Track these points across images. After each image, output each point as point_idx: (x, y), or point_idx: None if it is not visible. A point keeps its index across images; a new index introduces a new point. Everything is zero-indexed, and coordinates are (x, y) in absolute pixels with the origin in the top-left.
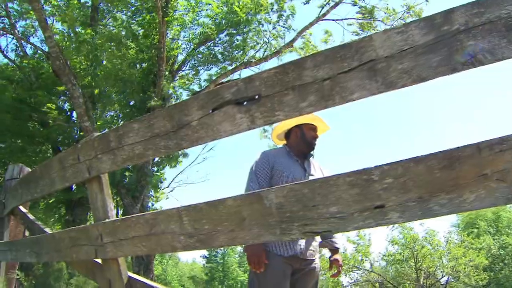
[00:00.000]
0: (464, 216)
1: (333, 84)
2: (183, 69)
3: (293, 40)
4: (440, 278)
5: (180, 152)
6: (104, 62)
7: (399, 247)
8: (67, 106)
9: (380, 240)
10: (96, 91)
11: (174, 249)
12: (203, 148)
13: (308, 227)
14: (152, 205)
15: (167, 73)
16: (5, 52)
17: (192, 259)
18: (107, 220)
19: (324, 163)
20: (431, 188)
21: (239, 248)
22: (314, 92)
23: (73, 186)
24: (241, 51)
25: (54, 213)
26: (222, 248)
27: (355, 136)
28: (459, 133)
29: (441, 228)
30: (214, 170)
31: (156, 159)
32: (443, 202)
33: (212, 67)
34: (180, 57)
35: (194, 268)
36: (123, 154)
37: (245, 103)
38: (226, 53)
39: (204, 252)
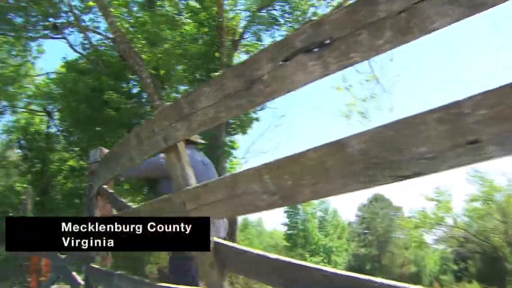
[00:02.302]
0: None
1: (410, 15)
2: (245, 37)
3: None
4: None
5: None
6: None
7: (482, 200)
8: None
9: (461, 195)
10: (162, 71)
11: (258, 208)
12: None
13: (397, 171)
14: None
15: (229, 43)
16: (74, 47)
17: (273, 228)
18: (188, 187)
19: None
20: None
21: (319, 213)
22: (390, 28)
23: None
24: (301, 11)
25: (139, 191)
26: (302, 214)
27: (429, 67)
28: None
29: None
30: (285, 139)
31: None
32: None
33: (274, 31)
34: (241, 26)
35: (274, 237)
36: (197, 119)
37: (316, 49)
38: (286, 14)
39: (285, 219)
